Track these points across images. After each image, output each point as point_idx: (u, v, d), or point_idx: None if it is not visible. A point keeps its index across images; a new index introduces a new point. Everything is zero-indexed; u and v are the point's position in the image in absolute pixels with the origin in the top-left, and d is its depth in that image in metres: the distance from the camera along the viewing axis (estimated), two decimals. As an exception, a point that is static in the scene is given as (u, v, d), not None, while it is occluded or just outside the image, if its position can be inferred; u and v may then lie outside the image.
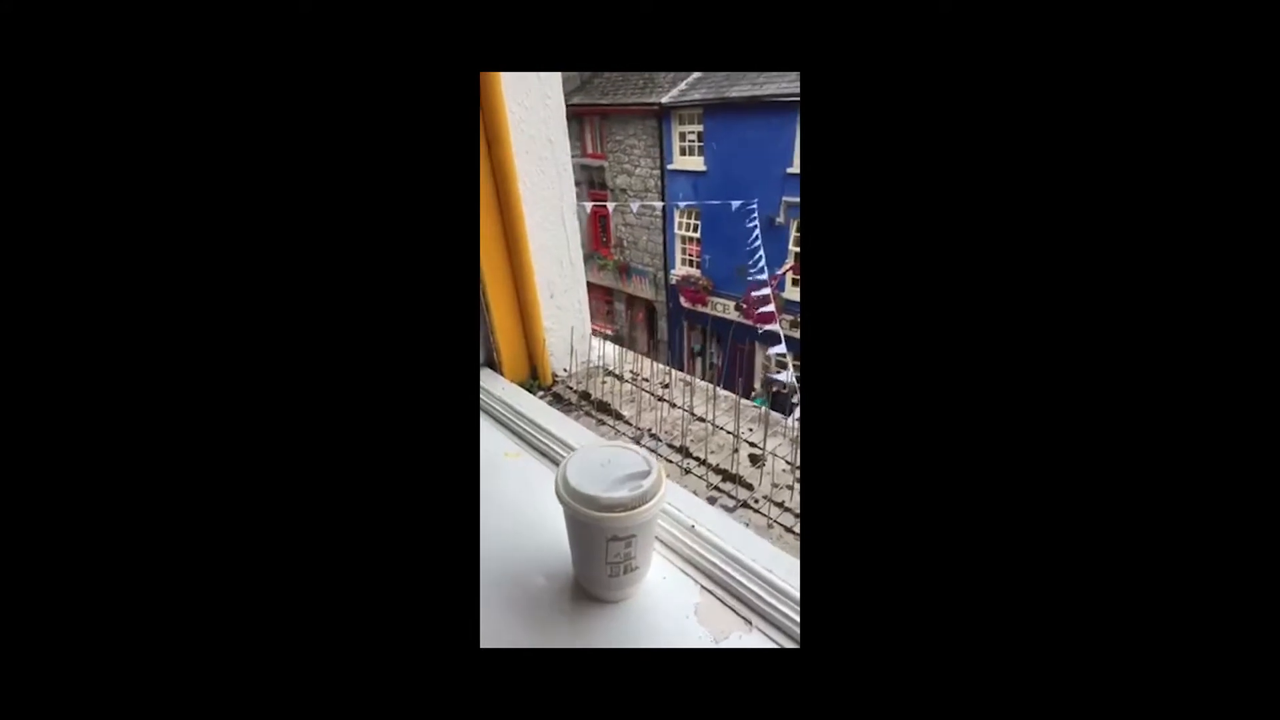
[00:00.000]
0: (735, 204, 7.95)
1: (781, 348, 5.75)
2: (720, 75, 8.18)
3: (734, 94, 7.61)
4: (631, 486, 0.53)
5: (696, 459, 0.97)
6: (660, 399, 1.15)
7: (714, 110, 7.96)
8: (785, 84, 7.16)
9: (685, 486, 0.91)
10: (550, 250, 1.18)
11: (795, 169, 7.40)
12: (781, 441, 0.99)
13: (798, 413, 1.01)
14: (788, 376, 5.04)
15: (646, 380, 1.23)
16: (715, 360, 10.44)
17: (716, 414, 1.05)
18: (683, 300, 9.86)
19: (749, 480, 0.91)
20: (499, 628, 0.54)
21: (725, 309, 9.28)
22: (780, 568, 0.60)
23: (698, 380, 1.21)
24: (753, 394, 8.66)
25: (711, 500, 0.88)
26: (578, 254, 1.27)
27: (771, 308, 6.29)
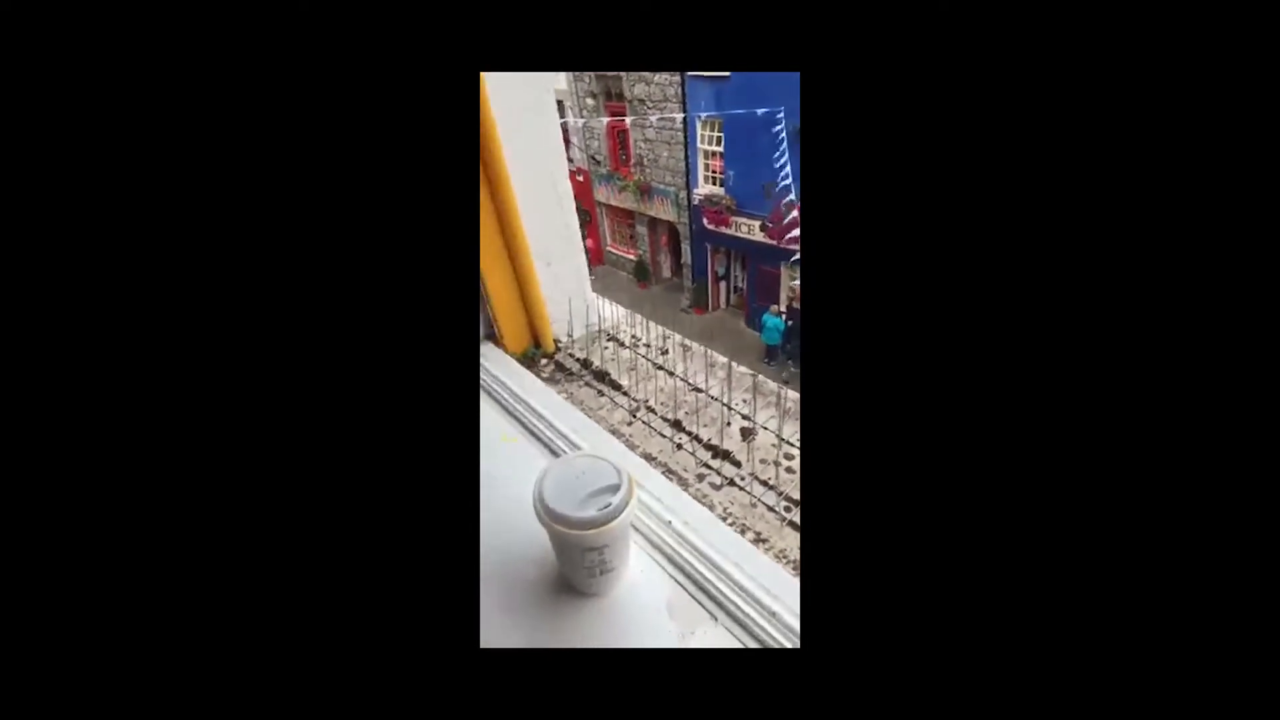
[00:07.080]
0: (760, 112, 7.37)
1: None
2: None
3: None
4: (601, 505, 0.56)
5: (689, 433, 1.00)
6: (659, 367, 1.16)
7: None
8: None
9: (676, 464, 0.95)
10: (543, 217, 1.15)
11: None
12: (773, 414, 1.00)
13: (786, 386, 1.01)
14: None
15: (647, 346, 1.24)
16: (740, 285, 10.16)
17: (713, 382, 1.06)
18: (705, 221, 9.49)
19: (738, 457, 0.94)
20: (486, 622, 0.61)
21: (750, 229, 8.90)
22: (749, 564, 0.64)
23: (695, 346, 1.22)
24: (771, 309, 8.24)
25: (700, 477, 0.92)
26: (572, 218, 1.23)
27: (798, 232, 6.00)
